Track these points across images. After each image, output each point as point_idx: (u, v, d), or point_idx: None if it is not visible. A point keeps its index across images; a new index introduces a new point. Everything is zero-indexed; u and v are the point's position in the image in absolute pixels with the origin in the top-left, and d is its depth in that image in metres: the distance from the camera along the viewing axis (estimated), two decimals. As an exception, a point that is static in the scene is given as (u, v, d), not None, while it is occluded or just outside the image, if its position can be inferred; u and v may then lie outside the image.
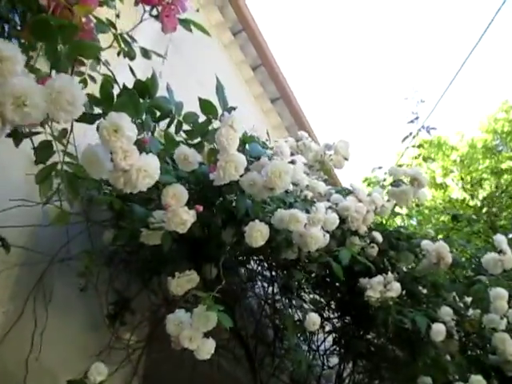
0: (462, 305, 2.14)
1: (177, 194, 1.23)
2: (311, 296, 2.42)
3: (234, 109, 1.22)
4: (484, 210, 6.75)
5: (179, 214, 1.20)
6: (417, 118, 2.85)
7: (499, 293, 1.88)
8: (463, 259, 2.29)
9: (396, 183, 2.24)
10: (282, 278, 2.26)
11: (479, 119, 8.22)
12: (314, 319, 1.75)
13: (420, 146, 2.96)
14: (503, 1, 3.91)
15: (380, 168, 2.43)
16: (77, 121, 1.16)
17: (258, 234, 1.45)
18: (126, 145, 0.98)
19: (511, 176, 6.76)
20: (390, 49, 20.27)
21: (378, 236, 2.15)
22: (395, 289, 1.97)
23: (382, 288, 2.00)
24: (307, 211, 1.65)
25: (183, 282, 1.53)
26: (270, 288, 2.35)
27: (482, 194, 7.05)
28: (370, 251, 2.13)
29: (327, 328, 2.54)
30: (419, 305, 2.12)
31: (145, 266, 1.78)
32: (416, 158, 2.97)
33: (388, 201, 2.23)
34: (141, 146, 1.06)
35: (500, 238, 2.03)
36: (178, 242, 1.67)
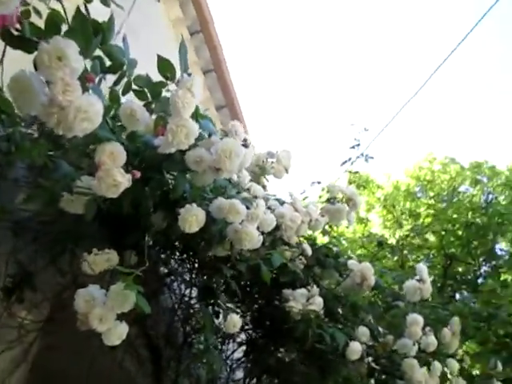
0: (378, 328, 2.16)
1: (114, 153, 1.08)
2: (228, 305, 2.34)
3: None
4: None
5: (113, 174, 1.05)
6: (358, 145, 2.93)
7: (415, 319, 1.92)
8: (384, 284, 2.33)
9: (332, 201, 2.25)
10: (203, 281, 2.16)
11: (406, 164, 8.83)
12: (234, 320, 1.66)
13: (356, 172, 3.04)
14: (458, 44, 4.18)
15: (319, 183, 2.44)
16: (11, 46, 1.01)
17: (193, 218, 1.34)
18: (68, 77, 0.84)
19: (427, 220, 7.26)
20: (345, 74, 20.97)
21: (308, 249, 2.13)
22: (317, 303, 1.96)
23: (304, 301, 1.97)
24: (247, 208, 1.57)
25: (101, 259, 1.37)
26: (188, 290, 2.22)
27: (398, 233, 7.49)
28: (297, 263, 2.09)
29: (238, 339, 2.45)
30: (336, 323, 2.11)
31: (58, 239, 1.58)
32: (351, 183, 3.03)
33: (322, 216, 2.23)
34: (84, 84, 0.93)
35: (421, 267, 2.09)
36: (100, 220, 1.52)
